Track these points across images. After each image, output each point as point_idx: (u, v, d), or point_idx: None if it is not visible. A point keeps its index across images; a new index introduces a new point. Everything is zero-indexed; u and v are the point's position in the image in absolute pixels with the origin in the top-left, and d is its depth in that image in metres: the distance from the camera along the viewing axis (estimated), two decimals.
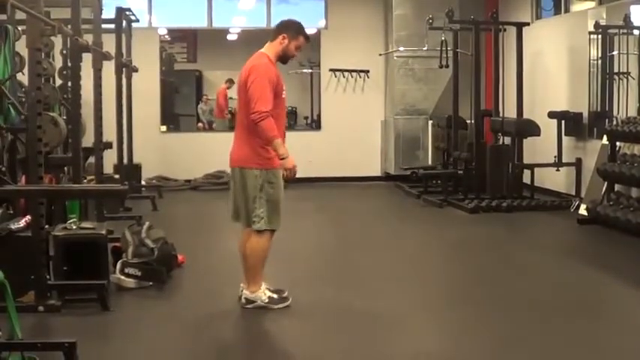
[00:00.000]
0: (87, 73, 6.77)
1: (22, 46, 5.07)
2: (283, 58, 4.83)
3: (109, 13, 8.77)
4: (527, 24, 9.90)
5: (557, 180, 9.55)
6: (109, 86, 8.22)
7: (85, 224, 5.28)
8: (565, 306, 5.01)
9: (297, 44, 4.83)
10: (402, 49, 11.15)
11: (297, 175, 4.69)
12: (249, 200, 4.70)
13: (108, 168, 8.80)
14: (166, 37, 13.38)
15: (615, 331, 4.46)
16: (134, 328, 4.60)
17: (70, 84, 6.67)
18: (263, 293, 4.81)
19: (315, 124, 13.03)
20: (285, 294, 4.89)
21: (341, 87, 11.95)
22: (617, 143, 7.87)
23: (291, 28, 4.85)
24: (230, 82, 14.22)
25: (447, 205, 9.19)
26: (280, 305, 4.81)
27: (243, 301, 4.83)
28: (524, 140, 9.33)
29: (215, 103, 14.37)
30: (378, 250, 6.94)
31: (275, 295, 4.84)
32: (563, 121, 9.17)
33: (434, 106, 11.27)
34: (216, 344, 4.35)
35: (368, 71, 11.91)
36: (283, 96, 4.78)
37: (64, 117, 6.83)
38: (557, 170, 9.29)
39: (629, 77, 8.39)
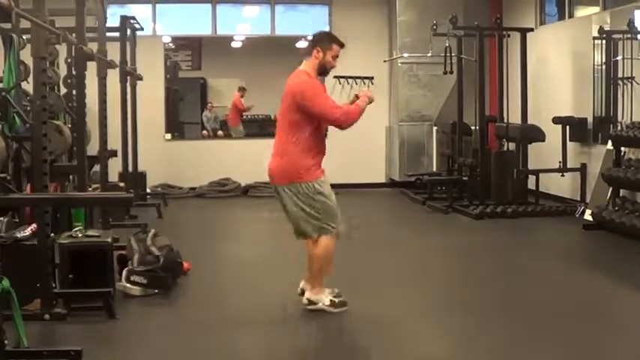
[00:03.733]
0: (91, 81, 6.79)
1: (26, 55, 5.09)
2: (322, 70, 4.92)
3: (113, 21, 8.80)
4: (532, 29, 9.90)
5: (562, 185, 9.53)
6: (113, 94, 8.24)
7: (90, 232, 5.28)
8: (570, 311, 4.99)
9: (332, 54, 4.91)
10: (406, 55, 11.16)
11: None
12: (305, 213, 4.75)
13: (113, 176, 8.81)
14: (171, 45, 13.42)
15: (621, 336, 4.45)
16: (140, 335, 4.60)
17: (74, 92, 6.68)
18: (326, 296, 4.86)
19: None
20: (343, 298, 4.91)
21: (345, 94, 11.87)
22: (622, 148, 7.86)
23: (322, 39, 4.95)
24: (242, 90, 14.26)
25: (451, 211, 9.19)
26: (340, 310, 4.84)
27: (305, 301, 4.88)
28: (529, 146, 9.32)
29: (230, 112, 14.37)
30: (382, 256, 6.93)
31: (336, 300, 4.88)
32: (567, 127, 9.17)
33: (438, 113, 11.28)
34: (221, 351, 4.34)
35: (372, 78, 11.89)
36: None
37: (69, 125, 6.86)
38: (562, 176, 9.28)
39: (634, 82, 8.37)
